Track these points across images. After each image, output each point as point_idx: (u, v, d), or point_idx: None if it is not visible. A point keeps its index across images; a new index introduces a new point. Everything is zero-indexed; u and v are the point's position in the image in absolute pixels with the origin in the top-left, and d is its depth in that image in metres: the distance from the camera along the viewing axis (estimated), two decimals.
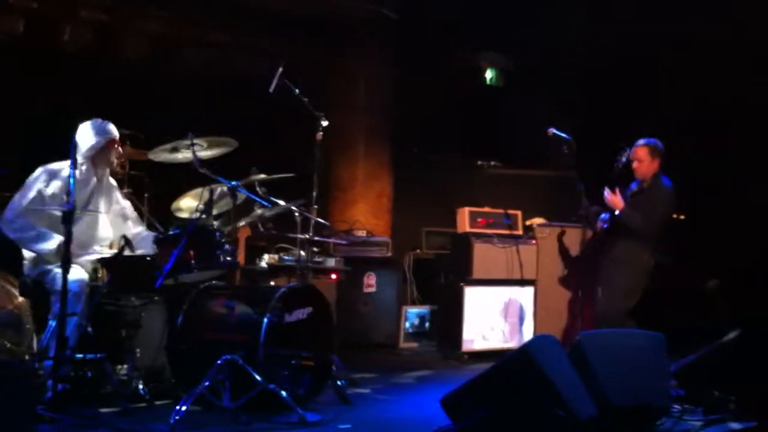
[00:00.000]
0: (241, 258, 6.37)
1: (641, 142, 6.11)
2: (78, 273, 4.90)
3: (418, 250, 8.17)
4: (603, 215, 6.30)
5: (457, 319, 7.01)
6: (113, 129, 5.27)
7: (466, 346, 7.00)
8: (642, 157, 6.06)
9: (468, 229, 7.17)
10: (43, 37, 6.88)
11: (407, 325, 7.72)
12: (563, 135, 6.42)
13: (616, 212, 6.05)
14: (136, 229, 5.46)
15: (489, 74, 9.55)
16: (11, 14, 6.64)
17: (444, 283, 7.45)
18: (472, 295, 7.04)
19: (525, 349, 4.04)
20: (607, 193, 6.06)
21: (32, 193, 5.03)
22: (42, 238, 4.96)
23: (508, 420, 3.90)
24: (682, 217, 7.83)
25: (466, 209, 7.25)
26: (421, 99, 8.50)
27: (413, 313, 7.79)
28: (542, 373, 3.86)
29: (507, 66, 9.54)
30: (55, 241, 4.91)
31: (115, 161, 5.37)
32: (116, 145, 5.30)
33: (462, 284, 7.04)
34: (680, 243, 7.43)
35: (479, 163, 8.22)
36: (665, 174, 6.10)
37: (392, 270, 7.71)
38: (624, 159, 6.13)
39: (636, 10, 7.43)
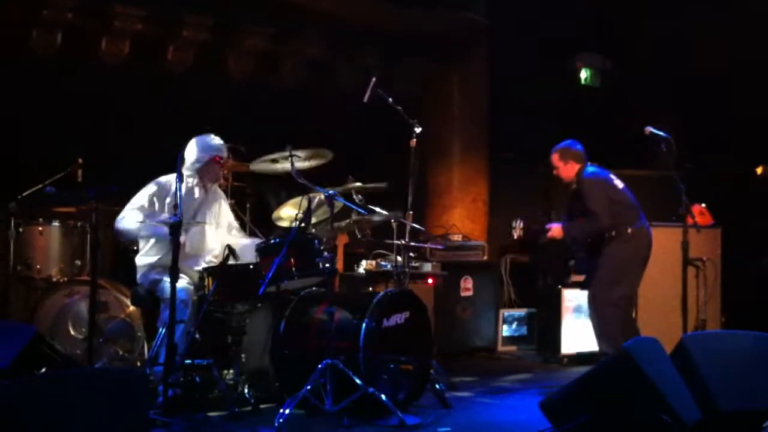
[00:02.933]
0: (339, 265, 6.49)
1: (554, 149, 6.16)
2: (185, 282, 5.09)
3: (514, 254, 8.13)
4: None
5: (556, 322, 6.95)
6: (219, 145, 5.38)
7: (566, 349, 6.93)
8: (555, 164, 6.13)
9: None
10: (147, 57, 7.15)
11: (505, 328, 7.69)
12: (661, 133, 6.28)
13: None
14: (240, 238, 5.63)
15: (584, 74, 9.42)
16: (117, 36, 6.93)
17: (542, 286, 7.40)
18: (571, 298, 6.97)
19: (626, 351, 3.97)
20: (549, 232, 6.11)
21: (143, 199, 5.26)
22: (155, 228, 5.16)
23: (610, 424, 3.86)
24: None
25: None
26: (517, 101, 8.46)
27: (511, 316, 7.76)
28: (645, 376, 3.80)
29: (602, 66, 9.39)
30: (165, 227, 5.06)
31: (221, 176, 5.52)
32: (221, 161, 5.41)
33: (560, 287, 6.97)
34: None
35: None
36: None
37: (489, 274, 7.69)
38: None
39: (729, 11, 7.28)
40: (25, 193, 5.84)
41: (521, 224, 6.24)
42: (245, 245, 5.48)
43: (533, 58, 8.36)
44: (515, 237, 6.33)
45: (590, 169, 6.10)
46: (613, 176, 6.15)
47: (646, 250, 6.07)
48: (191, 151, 5.31)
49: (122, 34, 6.95)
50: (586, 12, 7.94)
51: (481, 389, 5.88)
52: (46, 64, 6.69)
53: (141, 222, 5.18)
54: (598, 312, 5.91)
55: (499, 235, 8.39)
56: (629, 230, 5.99)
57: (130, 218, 5.23)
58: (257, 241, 5.51)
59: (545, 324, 7.26)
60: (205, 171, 5.38)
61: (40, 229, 5.95)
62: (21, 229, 5.91)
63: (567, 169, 6.09)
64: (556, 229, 6.05)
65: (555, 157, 6.13)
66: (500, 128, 8.54)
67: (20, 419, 3.21)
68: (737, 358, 4.13)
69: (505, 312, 7.74)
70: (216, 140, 5.39)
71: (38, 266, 5.92)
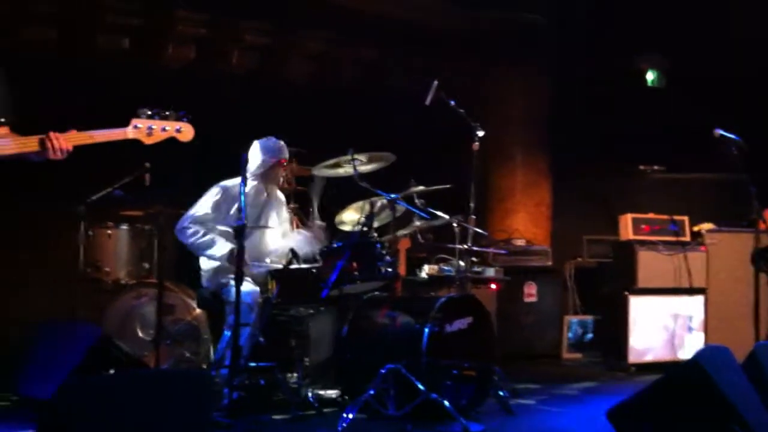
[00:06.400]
0: (401, 269, 6.47)
1: None
2: (251, 285, 5.13)
3: (579, 259, 8.02)
4: None
5: (623, 330, 6.82)
6: (283, 149, 5.42)
7: (633, 357, 6.80)
8: None
9: (631, 236, 6.97)
10: (212, 62, 7.26)
11: (570, 335, 7.58)
12: (731, 136, 6.13)
13: None
14: (296, 236, 5.65)
15: (650, 76, 9.24)
16: (183, 42, 7.07)
17: (607, 292, 7.27)
18: (638, 305, 6.84)
19: (696, 361, 3.88)
20: None
21: (207, 207, 5.31)
22: (214, 244, 5.18)
23: None
24: None
25: (629, 216, 7.05)
26: (579, 104, 8.34)
27: (576, 323, 7.65)
28: (715, 386, 3.70)
29: (669, 67, 9.20)
30: (226, 247, 5.12)
31: (282, 179, 5.58)
32: (284, 164, 5.47)
33: (627, 294, 6.85)
34: None
35: (642, 167, 7.99)
36: None
37: (553, 279, 7.60)
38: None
39: None
40: (94, 197, 5.93)
41: None
42: (300, 240, 5.51)
43: (596, 57, 8.22)
44: None
45: None
46: None
47: None
48: (255, 156, 5.35)
49: (188, 40, 7.08)
50: (646, 11, 7.76)
51: (545, 397, 5.79)
52: (111, 66, 6.80)
53: (201, 233, 5.22)
54: None
55: (563, 240, 8.30)
56: None
57: (189, 232, 5.25)
58: (307, 234, 5.55)
59: (611, 331, 7.13)
60: (269, 175, 5.42)
61: (109, 232, 6.05)
62: (90, 232, 5.99)
63: None
64: None
65: None
66: (563, 129, 8.42)
67: (88, 418, 3.27)
68: None
69: (570, 318, 7.63)
70: (281, 144, 5.43)
71: (107, 269, 6.02)
